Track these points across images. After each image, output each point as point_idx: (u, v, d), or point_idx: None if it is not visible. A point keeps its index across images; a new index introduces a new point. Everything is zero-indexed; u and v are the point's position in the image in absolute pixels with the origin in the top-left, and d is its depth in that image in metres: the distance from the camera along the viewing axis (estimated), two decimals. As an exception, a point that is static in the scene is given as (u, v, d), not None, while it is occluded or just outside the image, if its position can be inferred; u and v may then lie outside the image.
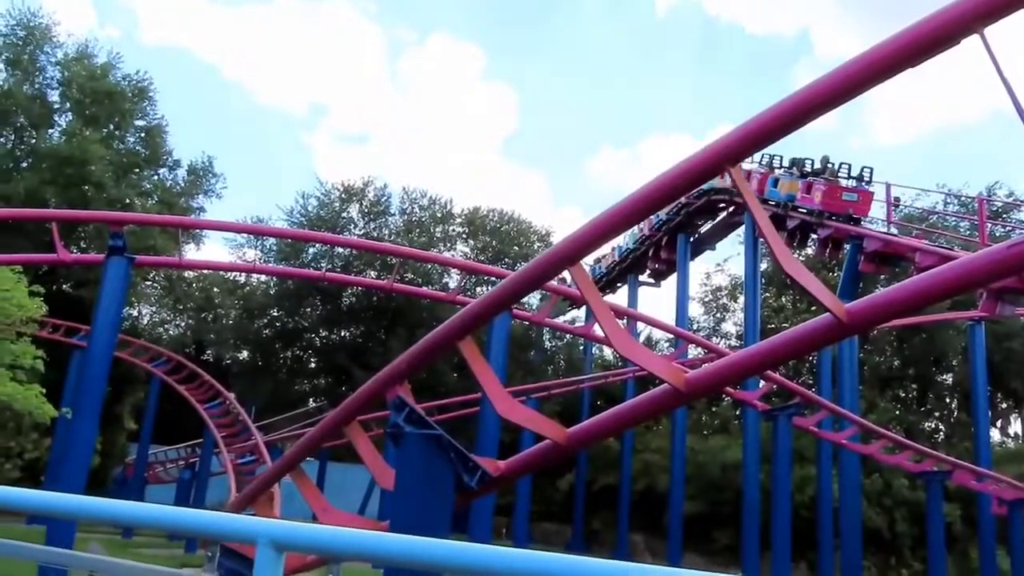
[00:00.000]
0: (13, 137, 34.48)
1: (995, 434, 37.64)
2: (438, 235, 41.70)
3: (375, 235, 39.94)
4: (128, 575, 2.47)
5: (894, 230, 22.64)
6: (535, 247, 41.02)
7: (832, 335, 5.60)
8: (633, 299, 33.54)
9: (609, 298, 33.37)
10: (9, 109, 33.67)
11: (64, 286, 31.77)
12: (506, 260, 39.27)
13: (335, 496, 19.97)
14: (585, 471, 32.73)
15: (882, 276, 25.29)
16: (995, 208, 33.57)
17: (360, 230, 40.29)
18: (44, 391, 18.70)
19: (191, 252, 35.71)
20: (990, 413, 32.31)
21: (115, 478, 31.98)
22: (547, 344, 42.47)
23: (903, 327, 33.17)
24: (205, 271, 41.98)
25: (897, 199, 24.83)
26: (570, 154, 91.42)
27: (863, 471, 24.64)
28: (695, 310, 42.47)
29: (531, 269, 6.09)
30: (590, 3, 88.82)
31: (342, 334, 41.28)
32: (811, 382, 32.71)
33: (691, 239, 29.74)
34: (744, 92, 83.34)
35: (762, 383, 20.37)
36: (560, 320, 31.41)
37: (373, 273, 36.34)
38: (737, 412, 35.82)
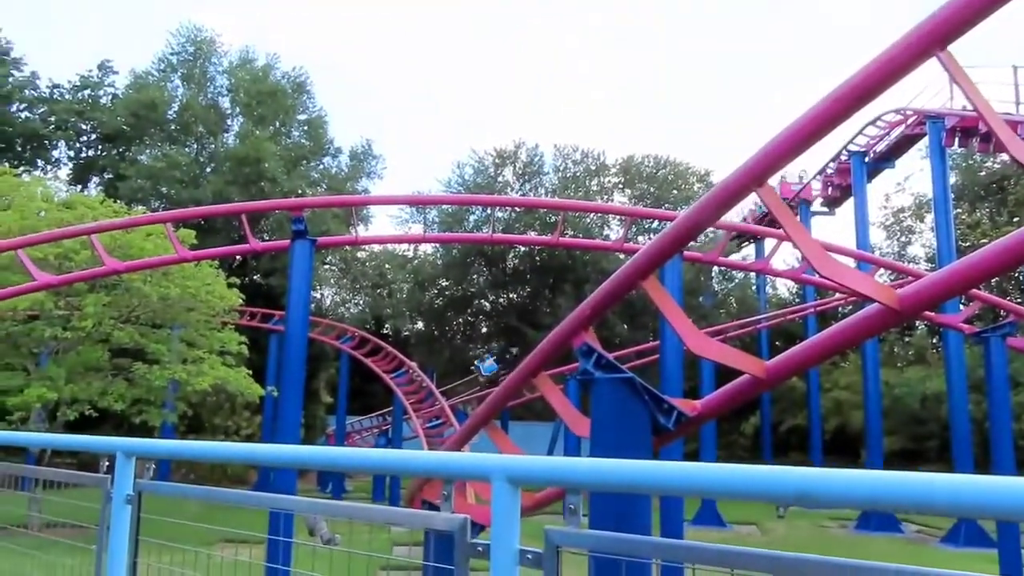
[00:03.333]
0: (196, 146, 37.57)
1: None
2: (594, 188, 41.31)
3: (531, 196, 40.22)
4: (370, 516, 2.52)
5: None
6: (695, 189, 39.72)
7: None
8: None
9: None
10: (190, 121, 36.70)
11: (255, 277, 34.42)
12: (666, 205, 38.34)
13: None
14: (770, 413, 31.62)
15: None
16: None
17: (516, 192, 40.69)
18: (250, 373, 20.47)
19: (361, 232, 37.59)
20: None
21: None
22: (715, 287, 41.26)
23: None
24: (376, 249, 44.19)
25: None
26: (724, 88, 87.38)
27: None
28: (876, 236, 39.56)
29: (715, 195, 5.75)
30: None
31: (510, 296, 42.07)
32: (1020, 300, 29.68)
33: (866, 159, 27.52)
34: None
35: (962, 306, 18.70)
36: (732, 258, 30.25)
37: (533, 233, 36.63)
38: (934, 340, 33.25)
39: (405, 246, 44.24)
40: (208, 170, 36.10)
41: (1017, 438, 24.75)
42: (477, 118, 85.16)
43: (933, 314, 17.24)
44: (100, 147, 38.51)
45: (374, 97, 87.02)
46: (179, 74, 38.20)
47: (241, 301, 21.21)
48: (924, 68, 4.85)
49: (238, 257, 30.66)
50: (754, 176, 5.33)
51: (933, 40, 4.53)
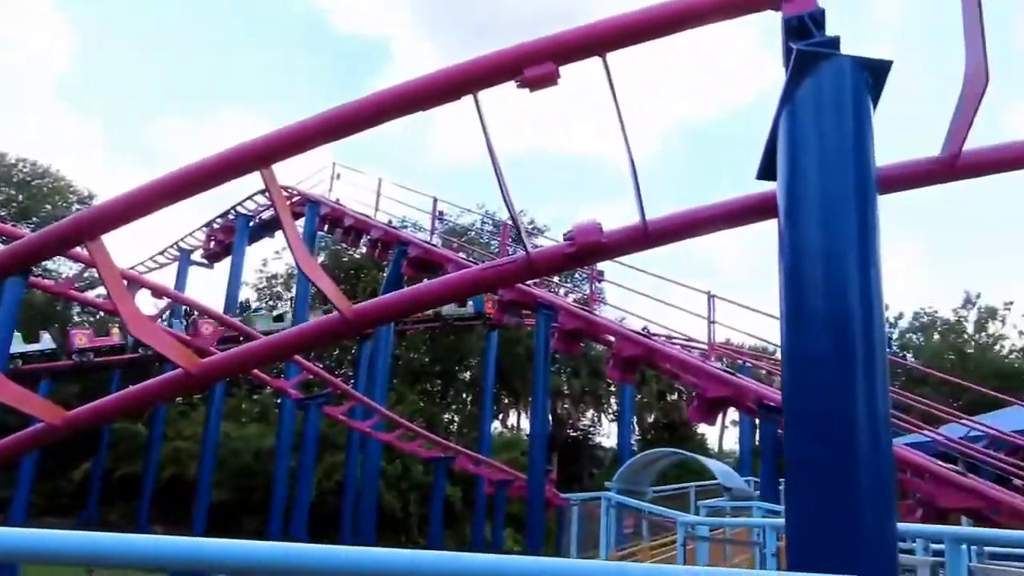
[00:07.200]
0: None
1: (497, 425, 43.96)
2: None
3: None
4: None
5: (437, 240, 25.11)
6: (73, 209, 36.43)
7: (339, 331, 6.27)
8: (183, 281, 31.69)
9: (156, 275, 31.19)
10: None
11: None
12: (34, 219, 34.24)
13: None
14: (106, 460, 30.02)
15: (425, 280, 27.72)
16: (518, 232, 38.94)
17: None
18: None
19: None
20: (495, 407, 37.66)
21: None
22: (79, 319, 37.97)
23: (431, 329, 36.77)
24: None
25: (442, 213, 27.62)
26: (134, 112, 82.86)
27: (386, 457, 26.79)
28: (248, 295, 42.05)
29: (31, 240, 5.67)
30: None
31: None
32: (351, 374, 34.57)
33: (251, 223, 29.36)
34: (332, 83, 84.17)
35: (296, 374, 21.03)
36: (93, 295, 28.34)
37: None
38: (278, 400, 36.28)
39: None
40: None
41: (327, 493, 28.36)
42: None
43: (268, 378, 19.04)
44: None
45: None
46: None
47: None
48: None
49: None
50: (82, 231, 5.46)
51: (259, 159, 5.44)
